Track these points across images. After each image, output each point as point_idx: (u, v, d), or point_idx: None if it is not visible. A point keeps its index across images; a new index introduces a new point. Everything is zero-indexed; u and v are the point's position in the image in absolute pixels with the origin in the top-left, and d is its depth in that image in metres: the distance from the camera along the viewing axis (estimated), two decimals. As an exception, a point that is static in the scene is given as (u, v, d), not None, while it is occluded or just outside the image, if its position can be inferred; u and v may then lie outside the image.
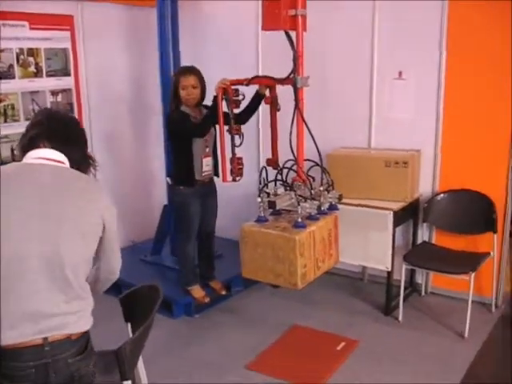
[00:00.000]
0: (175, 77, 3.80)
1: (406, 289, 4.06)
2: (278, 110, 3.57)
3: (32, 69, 4.13)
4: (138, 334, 2.21)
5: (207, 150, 3.83)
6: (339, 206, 3.74)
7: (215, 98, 3.47)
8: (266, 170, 3.30)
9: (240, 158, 3.52)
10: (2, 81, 3.94)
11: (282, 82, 3.32)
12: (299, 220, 3.14)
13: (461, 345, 3.52)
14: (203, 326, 3.87)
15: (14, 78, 4.02)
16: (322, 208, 3.24)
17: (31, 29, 4.09)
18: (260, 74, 4.62)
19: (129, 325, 2.51)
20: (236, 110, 3.48)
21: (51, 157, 1.90)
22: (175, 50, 4.35)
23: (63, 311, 1.83)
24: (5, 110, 3.98)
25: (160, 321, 3.87)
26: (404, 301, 3.92)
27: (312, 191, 3.23)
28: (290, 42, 3.19)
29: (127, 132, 5.01)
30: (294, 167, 3.31)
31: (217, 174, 3.93)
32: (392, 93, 4.14)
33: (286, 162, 3.39)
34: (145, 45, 4.79)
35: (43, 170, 1.87)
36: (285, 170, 3.32)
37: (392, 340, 3.61)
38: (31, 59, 4.11)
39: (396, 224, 3.81)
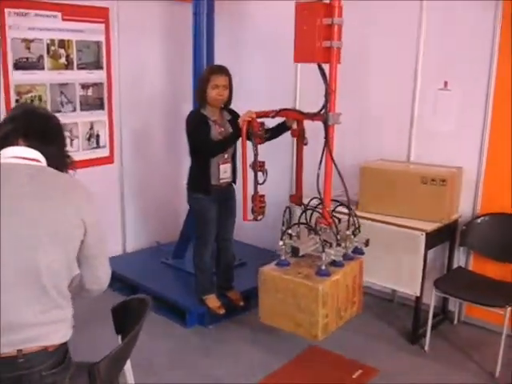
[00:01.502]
0: (205, 75, 3.63)
1: (437, 316, 3.77)
2: (305, 144, 3.45)
3: (62, 60, 4.07)
4: (116, 350, 2.04)
5: (226, 156, 3.65)
6: (368, 223, 3.56)
7: (239, 127, 3.35)
8: (290, 211, 3.22)
9: (262, 196, 3.36)
10: (31, 71, 3.89)
11: (312, 117, 3.16)
12: (323, 267, 3.01)
13: (490, 385, 3.22)
14: (216, 338, 3.69)
15: (43, 69, 3.97)
16: (348, 252, 3.13)
17: (64, 20, 4.02)
18: (298, 83, 4.45)
19: (119, 337, 2.35)
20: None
21: (27, 155, 1.78)
22: (209, 48, 4.19)
23: (40, 321, 1.73)
24: (32, 101, 3.92)
25: (172, 329, 3.77)
26: (434, 329, 3.62)
27: (338, 236, 3.08)
28: (323, 76, 3.03)
29: (158, 131, 4.89)
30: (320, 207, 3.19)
31: (235, 181, 3.77)
32: (436, 104, 3.84)
33: (311, 200, 3.24)
34: (181, 42, 4.63)
35: (18, 169, 1.75)
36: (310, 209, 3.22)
37: (415, 372, 3.31)
38: (62, 51, 4.05)
39: (429, 246, 3.51)
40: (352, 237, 3.18)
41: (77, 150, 4.24)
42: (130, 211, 4.80)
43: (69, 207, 1.76)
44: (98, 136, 4.39)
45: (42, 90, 3.97)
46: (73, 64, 4.13)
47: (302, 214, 3.23)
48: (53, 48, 3.99)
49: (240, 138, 3.40)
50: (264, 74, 4.68)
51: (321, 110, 3.07)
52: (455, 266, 3.82)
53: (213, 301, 3.81)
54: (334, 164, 3.12)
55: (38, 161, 1.78)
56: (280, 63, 4.43)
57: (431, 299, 3.50)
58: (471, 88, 3.66)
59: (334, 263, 3.08)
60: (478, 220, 3.70)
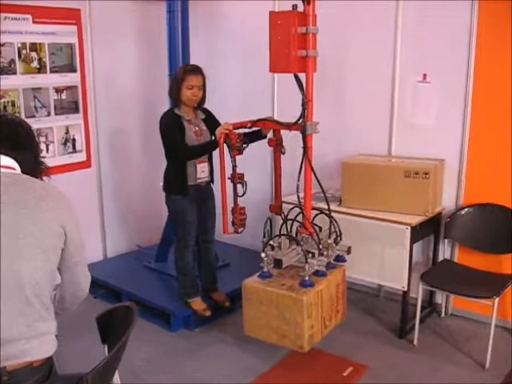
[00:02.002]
0: (180, 75, 3.56)
1: (424, 309, 3.75)
2: (283, 154, 3.44)
3: (35, 64, 3.96)
4: (105, 362, 1.97)
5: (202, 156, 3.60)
6: (352, 218, 3.55)
7: (216, 140, 3.34)
8: (271, 222, 3.23)
9: (242, 208, 3.34)
10: (3, 76, 3.78)
11: (290, 127, 3.17)
12: (306, 278, 3.04)
13: (481, 376, 3.19)
14: (202, 342, 3.63)
15: (15, 73, 3.85)
16: (330, 260, 3.16)
17: (34, 22, 3.91)
18: (276, 83, 4.40)
19: (105, 347, 2.27)
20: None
21: (2, 163, 1.70)
22: (185, 47, 4.13)
23: (24, 336, 1.65)
24: (4, 107, 3.81)
25: (157, 333, 3.71)
26: (421, 322, 3.61)
27: (320, 245, 3.11)
28: (300, 86, 3.03)
29: (135, 133, 4.80)
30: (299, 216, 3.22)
31: (213, 181, 3.74)
32: (415, 97, 3.83)
33: (292, 208, 3.25)
34: (156, 42, 4.56)
35: None
36: (291, 217, 3.24)
37: (405, 367, 3.29)
38: (34, 54, 3.94)
39: (414, 240, 3.50)
40: (334, 245, 3.21)
41: (53, 156, 4.14)
42: (109, 216, 4.70)
43: (48, 215, 1.69)
44: (74, 140, 4.29)
45: (14, 95, 3.86)
46: (46, 67, 4.02)
47: (282, 225, 3.27)
48: (24, 52, 3.88)
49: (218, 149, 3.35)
50: (240, 74, 4.62)
51: (298, 120, 3.09)
52: (440, 258, 3.82)
53: (198, 303, 3.75)
54: (314, 173, 3.16)
55: (12, 168, 1.71)
56: (257, 63, 4.39)
57: (418, 293, 3.49)
58: (451, 80, 3.65)
59: (316, 273, 3.12)
60: (462, 212, 3.69)
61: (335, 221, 3.22)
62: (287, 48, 2.95)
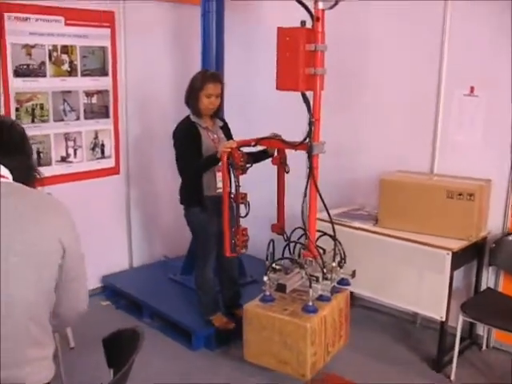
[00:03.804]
0: (198, 83, 3.39)
1: (463, 340, 3.47)
2: (287, 172, 3.31)
3: (65, 67, 3.87)
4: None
5: (220, 163, 3.42)
6: (388, 240, 3.32)
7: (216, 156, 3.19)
8: (273, 244, 3.10)
9: (245, 229, 3.19)
10: (32, 78, 3.70)
11: (295, 146, 3.03)
12: (310, 303, 2.90)
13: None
14: (223, 363, 3.44)
15: (44, 76, 3.77)
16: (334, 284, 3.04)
17: (67, 25, 3.83)
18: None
19: (111, 371, 2.11)
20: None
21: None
22: (219, 50, 3.98)
23: (19, 361, 1.50)
24: (33, 110, 3.74)
25: (177, 350, 3.56)
26: (460, 355, 3.33)
27: (324, 269, 2.96)
28: (307, 105, 2.90)
29: (165, 140, 4.62)
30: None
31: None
32: (461, 111, 3.56)
33: (295, 230, 3.13)
34: (190, 46, 4.43)
35: None
36: (295, 237, 3.15)
37: (439, 405, 3.05)
38: (65, 57, 3.85)
39: (455, 266, 3.23)
40: (338, 268, 3.05)
41: (81, 161, 4.04)
42: (136, 224, 4.58)
43: (44, 228, 1.53)
44: (102, 145, 4.18)
45: (43, 98, 3.78)
46: (76, 70, 3.93)
47: (285, 247, 3.14)
48: (55, 54, 3.80)
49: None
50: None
51: (304, 139, 2.94)
52: (483, 287, 3.53)
53: (219, 319, 3.59)
54: (319, 194, 2.99)
55: (3, 176, 1.55)
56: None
57: (457, 324, 3.22)
58: (500, 93, 3.38)
59: (320, 297, 2.97)
60: (510, 237, 3.41)
61: (339, 243, 3.05)
62: (295, 65, 2.82)
